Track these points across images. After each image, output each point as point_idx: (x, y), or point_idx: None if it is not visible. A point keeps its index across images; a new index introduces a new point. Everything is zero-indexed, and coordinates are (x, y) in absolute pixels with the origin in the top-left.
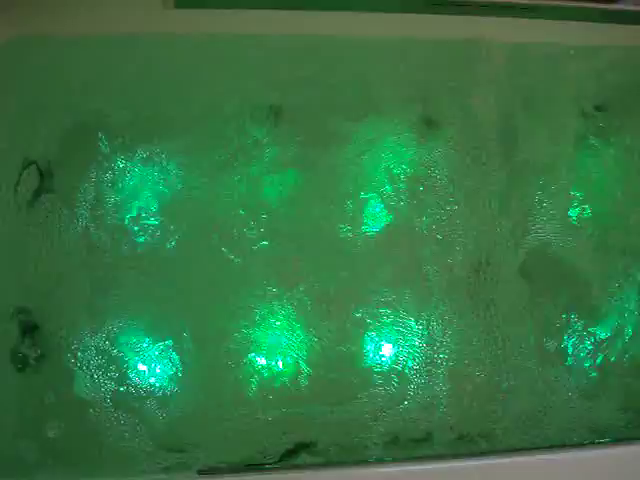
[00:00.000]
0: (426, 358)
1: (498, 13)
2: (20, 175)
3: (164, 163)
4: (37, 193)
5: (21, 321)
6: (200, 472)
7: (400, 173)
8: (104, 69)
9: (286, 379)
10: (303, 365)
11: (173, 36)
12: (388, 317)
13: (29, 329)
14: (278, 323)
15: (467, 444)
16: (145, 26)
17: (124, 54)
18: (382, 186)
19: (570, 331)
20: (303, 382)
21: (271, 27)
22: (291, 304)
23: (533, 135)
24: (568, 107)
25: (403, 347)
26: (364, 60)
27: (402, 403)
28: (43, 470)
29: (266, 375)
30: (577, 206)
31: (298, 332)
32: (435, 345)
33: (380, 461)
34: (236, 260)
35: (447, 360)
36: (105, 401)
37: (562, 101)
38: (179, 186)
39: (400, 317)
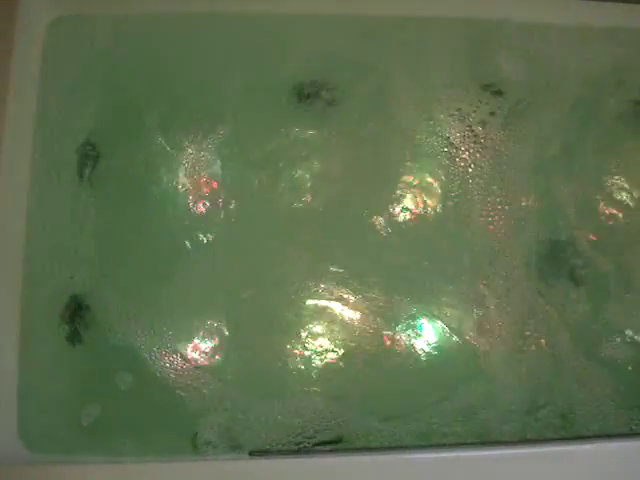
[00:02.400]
0: None
1: None
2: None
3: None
4: (90, 172)
5: (75, 298)
6: (252, 453)
7: None
8: (149, 48)
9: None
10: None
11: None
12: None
13: (84, 307)
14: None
15: None
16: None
17: (170, 33)
18: None
19: None
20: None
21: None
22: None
23: None
24: None
25: None
26: None
27: None
28: (89, 447)
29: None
30: None
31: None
32: None
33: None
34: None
35: None
36: (154, 380)
37: None
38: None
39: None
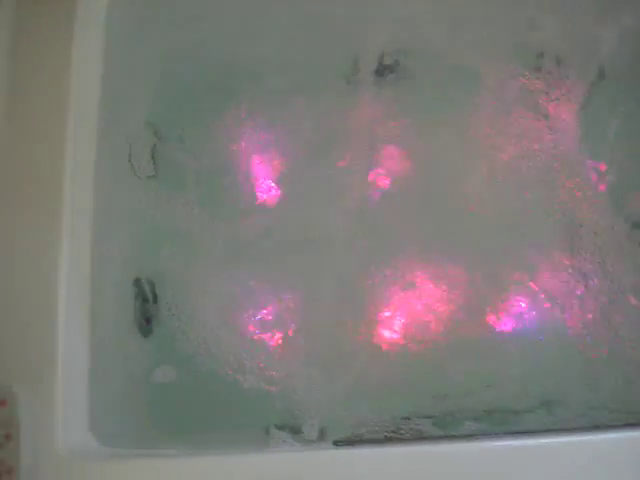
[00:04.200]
0: None
1: None
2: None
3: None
4: (155, 157)
5: (142, 290)
6: (336, 443)
7: None
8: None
9: None
10: None
11: None
12: None
13: (152, 298)
14: None
15: None
16: None
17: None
18: None
19: None
20: None
21: None
22: None
23: None
24: None
25: None
26: None
27: None
28: (162, 440)
29: None
30: None
31: None
32: None
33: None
34: None
35: None
36: (223, 372)
37: None
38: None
39: None
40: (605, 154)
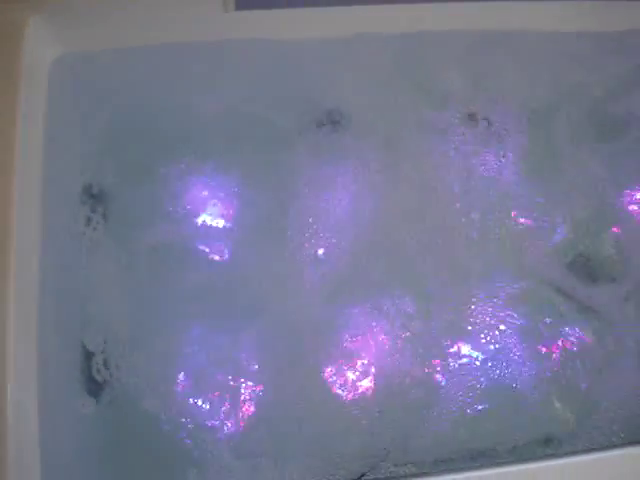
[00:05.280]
0: None
1: None
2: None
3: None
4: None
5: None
6: None
7: None
8: (154, 81)
9: None
10: None
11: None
12: None
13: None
14: None
15: None
16: (202, 32)
17: (175, 64)
18: None
19: None
20: None
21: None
22: None
23: None
24: None
25: None
26: None
27: None
28: None
29: None
30: None
31: None
32: None
33: None
34: None
35: None
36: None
37: None
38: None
39: None
40: None
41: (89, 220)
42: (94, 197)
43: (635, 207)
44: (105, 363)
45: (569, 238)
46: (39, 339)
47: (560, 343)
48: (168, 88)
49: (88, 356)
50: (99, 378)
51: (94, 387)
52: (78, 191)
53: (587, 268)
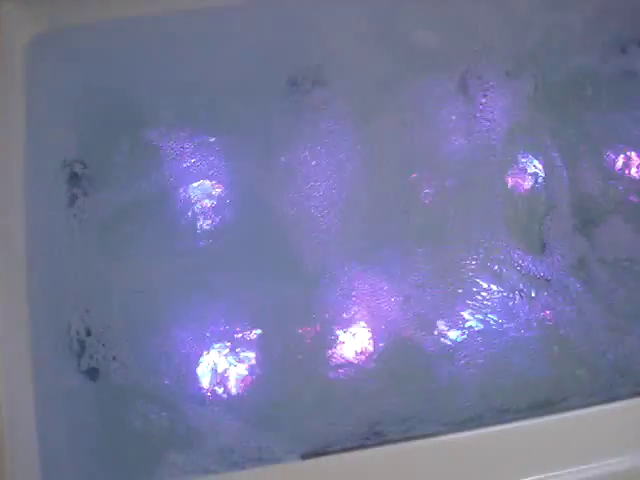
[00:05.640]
0: None
1: None
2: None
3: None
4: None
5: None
6: (304, 456)
7: None
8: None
9: None
10: None
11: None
12: None
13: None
14: None
15: None
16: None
17: (154, 35)
18: None
19: None
20: None
21: None
22: None
23: None
24: None
25: None
26: None
27: None
28: None
29: None
30: None
31: None
32: None
33: None
34: None
35: None
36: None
37: None
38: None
39: None
40: None
41: (73, 197)
42: (76, 175)
43: None
44: (97, 344)
45: None
46: (29, 323)
47: None
48: (148, 59)
49: (81, 339)
50: (91, 361)
51: (87, 368)
52: (59, 168)
53: None
